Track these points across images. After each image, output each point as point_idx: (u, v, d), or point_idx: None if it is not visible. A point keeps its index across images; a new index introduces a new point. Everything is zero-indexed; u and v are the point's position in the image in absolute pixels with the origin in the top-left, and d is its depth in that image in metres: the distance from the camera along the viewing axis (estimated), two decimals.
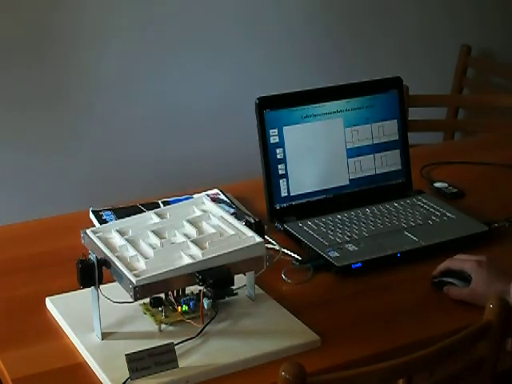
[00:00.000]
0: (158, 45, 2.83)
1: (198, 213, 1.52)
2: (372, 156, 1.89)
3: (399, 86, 1.92)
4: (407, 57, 3.23)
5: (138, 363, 1.30)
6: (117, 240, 1.44)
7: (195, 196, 1.89)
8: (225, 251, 1.37)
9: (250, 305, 1.50)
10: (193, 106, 2.93)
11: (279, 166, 1.80)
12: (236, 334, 1.41)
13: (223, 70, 2.96)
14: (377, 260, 1.65)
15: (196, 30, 2.87)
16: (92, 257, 1.36)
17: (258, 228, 1.45)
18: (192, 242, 1.41)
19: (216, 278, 1.33)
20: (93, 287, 1.37)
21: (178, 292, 1.43)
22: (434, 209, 1.84)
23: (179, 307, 1.42)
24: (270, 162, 1.79)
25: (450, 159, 2.18)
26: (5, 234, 1.80)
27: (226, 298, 1.48)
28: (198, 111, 2.93)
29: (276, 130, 1.79)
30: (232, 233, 1.44)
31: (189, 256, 1.37)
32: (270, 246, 1.64)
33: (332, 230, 1.75)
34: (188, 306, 1.42)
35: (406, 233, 1.75)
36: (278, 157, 1.80)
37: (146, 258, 1.37)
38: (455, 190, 1.99)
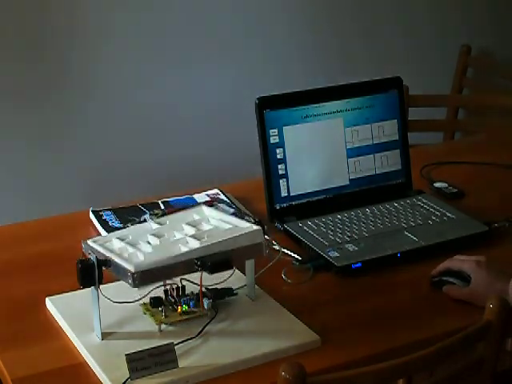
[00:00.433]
0: (158, 45, 2.83)
1: (197, 217, 1.53)
2: (372, 156, 1.89)
3: (399, 86, 1.92)
4: (407, 57, 3.23)
5: (138, 363, 1.30)
6: (116, 244, 1.44)
7: (195, 196, 1.89)
8: (223, 238, 1.37)
9: (250, 305, 1.50)
10: (193, 106, 2.93)
11: (279, 166, 1.80)
12: (236, 334, 1.41)
13: (223, 70, 2.96)
14: (377, 260, 1.65)
15: (196, 30, 2.87)
16: (92, 257, 1.36)
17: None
18: (191, 236, 1.42)
19: (214, 261, 1.34)
20: (93, 287, 1.36)
21: (177, 292, 1.43)
22: (434, 209, 1.84)
23: (179, 307, 1.42)
24: (270, 162, 1.79)
25: (450, 159, 2.18)
26: (5, 234, 1.81)
27: (226, 298, 1.48)
28: (198, 111, 2.93)
29: (276, 130, 1.79)
30: (229, 226, 1.44)
31: (186, 246, 1.38)
32: (270, 246, 1.64)
33: (332, 230, 1.75)
34: (188, 305, 1.42)
35: (406, 233, 1.75)
36: (278, 157, 1.80)
37: (145, 253, 1.38)
38: (455, 190, 1.99)
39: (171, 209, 1.78)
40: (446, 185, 2.01)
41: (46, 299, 1.51)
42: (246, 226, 1.44)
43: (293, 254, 1.68)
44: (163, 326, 1.41)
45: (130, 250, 1.40)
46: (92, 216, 1.81)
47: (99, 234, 1.75)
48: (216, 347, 1.37)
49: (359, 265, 1.63)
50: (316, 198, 1.84)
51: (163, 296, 1.44)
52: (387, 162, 1.91)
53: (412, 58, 3.24)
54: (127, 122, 2.84)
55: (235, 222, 1.47)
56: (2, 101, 2.65)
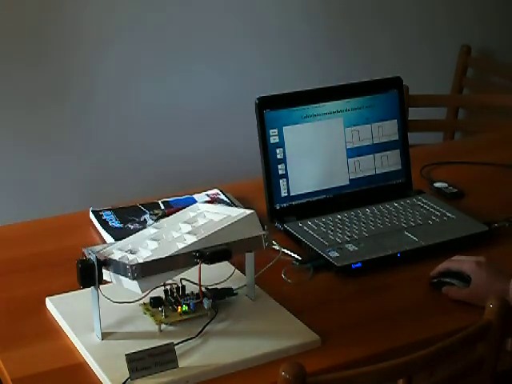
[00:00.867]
0: (158, 45, 2.84)
1: (193, 215, 1.53)
2: (372, 156, 1.89)
3: (399, 86, 1.92)
4: (407, 57, 3.23)
5: (138, 363, 1.30)
6: (117, 254, 1.44)
7: (195, 196, 1.89)
8: (218, 227, 1.37)
9: (249, 305, 1.50)
10: (193, 106, 2.93)
11: (279, 166, 1.80)
12: (236, 334, 1.41)
13: (223, 70, 2.96)
14: (377, 260, 1.65)
15: (196, 30, 2.87)
16: (92, 257, 1.36)
17: None
18: (187, 233, 1.42)
19: (213, 251, 1.34)
20: (93, 287, 1.36)
21: (178, 292, 1.43)
22: (434, 209, 1.84)
23: (179, 307, 1.42)
24: (270, 162, 1.79)
25: (450, 159, 2.18)
26: (5, 234, 1.80)
27: (226, 298, 1.48)
28: (198, 111, 2.93)
29: (276, 130, 1.79)
30: (224, 216, 1.44)
31: (183, 243, 1.38)
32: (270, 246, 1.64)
33: (332, 230, 1.75)
34: (188, 305, 1.42)
35: (406, 233, 1.75)
36: (278, 157, 1.80)
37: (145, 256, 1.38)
38: (455, 190, 1.99)
39: (171, 209, 1.78)
40: (446, 185, 2.01)
41: (46, 299, 1.51)
42: (239, 212, 1.43)
43: (293, 254, 1.68)
44: (163, 326, 1.41)
45: (131, 257, 1.40)
46: (92, 216, 1.81)
47: (99, 234, 1.75)
48: (216, 347, 1.37)
49: (359, 265, 1.63)
50: (316, 197, 1.84)
51: (163, 296, 1.44)
52: (387, 162, 1.91)
53: (412, 58, 3.24)
54: (127, 122, 2.85)
55: (229, 212, 1.47)
56: (2, 101, 2.65)
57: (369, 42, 3.19)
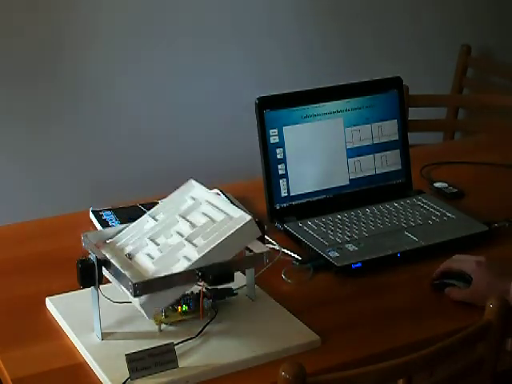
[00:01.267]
0: (158, 45, 2.84)
1: (189, 202, 1.51)
2: (372, 156, 1.89)
3: (399, 86, 1.92)
4: (407, 57, 3.23)
5: (138, 363, 1.30)
6: (119, 257, 1.44)
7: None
8: (218, 241, 1.36)
9: (249, 305, 1.50)
10: (193, 106, 2.93)
11: (279, 166, 1.80)
12: (236, 333, 1.41)
13: (223, 70, 2.96)
14: (377, 260, 1.65)
15: (196, 30, 2.87)
16: (92, 257, 1.36)
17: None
18: (186, 239, 1.40)
19: (215, 274, 1.33)
20: (93, 287, 1.36)
21: None
22: (434, 209, 1.84)
23: (179, 307, 1.42)
24: (270, 162, 1.79)
25: (450, 159, 2.18)
26: (5, 234, 1.80)
27: (226, 298, 1.48)
28: (197, 111, 2.93)
29: (276, 130, 1.79)
30: (222, 217, 1.42)
31: (185, 258, 1.36)
32: (270, 245, 1.64)
33: (332, 230, 1.75)
34: (188, 305, 1.42)
35: (406, 233, 1.75)
36: (278, 157, 1.80)
37: (146, 274, 1.37)
38: (455, 190, 1.99)
39: None
40: (446, 185, 2.01)
41: (46, 299, 1.51)
42: (237, 215, 1.42)
43: (293, 254, 1.68)
44: (163, 326, 1.41)
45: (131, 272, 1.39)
46: (92, 216, 1.81)
47: None
48: (216, 347, 1.37)
49: (359, 265, 1.63)
50: (316, 197, 1.84)
51: None
52: (387, 162, 1.91)
53: (412, 58, 3.24)
54: (127, 122, 2.85)
55: (226, 209, 1.45)
56: (2, 100, 2.65)
57: (369, 42, 3.19)
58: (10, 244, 1.75)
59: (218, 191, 1.93)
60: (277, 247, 1.62)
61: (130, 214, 1.80)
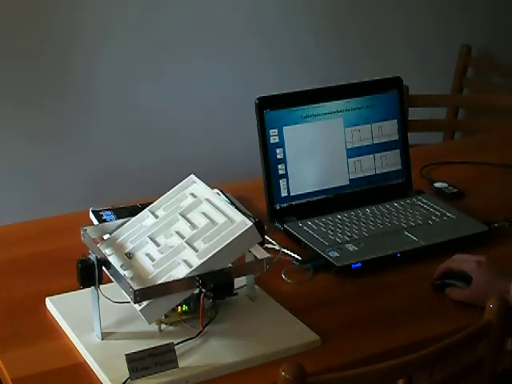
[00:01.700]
0: (158, 45, 2.83)
1: (189, 200, 1.51)
2: (372, 156, 1.89)
3: (399, 86, 1.92)
4: (407, 57, 3.23)
5: (138, 363, 1.30)
6: (118, 255, 1.43)
7: None
8: (218, 248, 1.36)
9: (249, 305, 1.50)
10: (193, 106, 2.93)
11: (279, 166, 1.80)
12: (236, 334, 1.41)
13: (223, 69, 2.96)
14: (377, 260, 1.65)
15: (196, 29, 2.87)
16: (92, 257, 1.36)
17: (257, 228, 1.45)
18: (186, 242, 1.40)
19: (216, 283, 1.33)
20: (93, 287, 1.37)
21: None
22: (434, 209, 1.84)
23: (179, 307, 1.42)
24: (270, 162, 1.79)
25: (450, 159, 2.18)
26: (5, 234, 1.80)
27: (226, 298, 1.48)
28: (197, 111, 2.93)
29: (276, 130, 1.79)
30: (223, 220, 1.42)
31: (185, 263, 1.36)
32: (270, 246, 1.64)
33: (332, 230, 1.75)
34: (188, 305, 1.42)
35: (406, 233, 1.75)
36: (278, 157, 1.80)
37: (147, 277, 1.36)
38: (455, 190, 1.99)
39: None
40: (446, 185, 2.01)
41: (46, 299, 1.51)
42: (238, 219, 1.41)
43: (293, 254, 1.68)
44: (163, 326, 1.41)
45: (131, 273, 1.39)
46: (92, 216, 1.81)
47: None
48: (216, 347, 1.37)
49: (359, 265, 1.63)
50: (316, 197, 1.84)
51: None
52: (387, 162, 1.91)
53: (412, 58, 3.24)
54: (127, 122, 2.84)
55: (227, 211, 1.45)
56: (3, 101, 2.65)
57: (369, 42, 3.19)
58: (9, 244, 1.75)
59: (218, 191, 1.93)
60: (277, 247, 1.62)
61: (130, 214, 1.80)
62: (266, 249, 1.49)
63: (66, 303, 1.49)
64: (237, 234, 1.37)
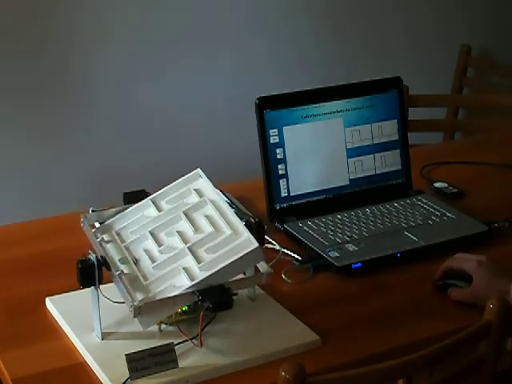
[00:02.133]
0: (158, 44, 2.83)
1: (194, 198, 1.50)
2: (372, 156, 1.89)
3: (399, 86, 1.92)
4: (407, 57, 3.23)
5: (138, 363, 1.30)
6: (116, 247, 1.43)
7: None
8: (222, 265, 1.34)
9: (249, 305, 1.50)
10: (193, 106, 2.92)
11: (279, 166, 1.80)
12: (236, 333, 1.41)
13: (223, 69, 2.96)
14: (377, 260, 1.65)
15: (196, 29, 2.87)
16: (92, 257, 1.36)
17: (257, 228, 1.45)
18: (188, 248, 1.39)
19: (215, 301, 1.32)
20: (93, 287, 1.36)
21: None
22: (434, 209, 1.84)
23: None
24: (270, 162, 1.79)
25: (449, 159, 2.18)
26: (5, 234, 1.80)
27: None
28: (197, 111, 2.93)
29: (276, 130, 1.79)
30: (228, 233, 1.41)
31: (187, 273, 1.35)
32: (270, 246, 1.64)
33: (332, 230, 1.75)
34: (188, 305, 1.42)
35: (406, 233, 1.75)
36: (278, 157, 1.80)
37: (146, 280, 1.36)
38: (455, 190, 1.99)
39: None
40: (446, 185, 2.01)
41: (46, 299, 1.51)
42: (243, 236, 1.40)
43: (293, 254, 1.68)
44: (163, 326, 1.41)
45: (131, 269, 1.39)
46: None
47: None
48: (216, 347, 1.37)
49: (359, 265, 1.63)
50: (316, 197, 1.84)
51: None
52: (387, 162, 1.91)
53: (412, 58, 3.24)
54: (127, 122, 2.84)
55: (232, 220, 1.44)
56: (3, 101, 2.65)
57: (369, 42, 3.19)
58: (9, 244, 1.75)
59: (218, 191, 1.92)
60: (277, 247, 1.62)
61: None
62: (266, 249, 1.49)
63: (66, 303, 1.49)
64: (241, 254, 1.36)
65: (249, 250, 1.37)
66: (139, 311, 1.30)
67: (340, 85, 1.88)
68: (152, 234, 1.45)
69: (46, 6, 2.64)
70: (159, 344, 1.33)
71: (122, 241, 1.45)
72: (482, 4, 3.38)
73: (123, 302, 1.41)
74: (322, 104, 1.83)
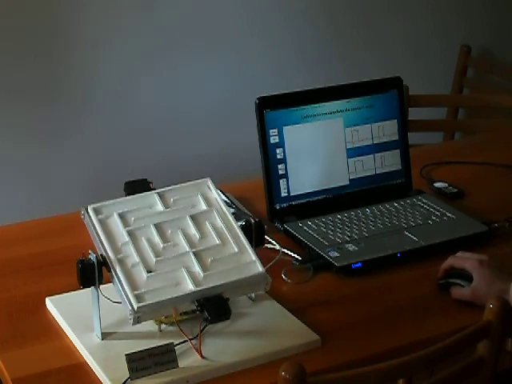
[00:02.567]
0: (158, 45, 2.83)
1: (202, 205, 1.48)
2: (372, 156, 1.89)
3: (399, 86, 1.92)
4: (407, 57, 3.23)
5: (138, 363, 1.30)
6: (118, 231, 1.40)
7: None
8: (225, 281, 1.34)
9: (249, 305, 1.50)
10: (193, 106, 2.92)
11: (279, 166, 1.80)
12: (236, 333, 1.41)
13: (223, 69, 2.96)
14: (377, 260, 1.65)
15: (196, 29, 2.87)
16: (92, 257, 1.35)
17: (257, 228, 1.45)
18: (194, 253, 1.38)
19: (214, 312, 1.32)
20: (93, 287, 1.36)
21: None
22: (434, 209, 1.84)
23: None
24: (270, 162, 1.79)
25: (449, 159, 2.18)
26: (5, 234, 1.80)
27: None
28: (198, 111, 2.93)
29: (276, 130, 1.79)
30: (235, 250, 1.40)
31: (190, 278, 1.34)
32: (270, 246, 1.64)
33: (332, 230, 1.75)
34: None
35: (406, 233, 1.75)
36: (278, 157, 1.80)
37: (148, 272, 1.35)
38: (455, 190, 1.99)
39: None
40: (446, 185, 2.01)
41: (46, 299, 1.51)
42: (249, 257, 1.39)
43: (293, 254, 1.68)
44: (163, 326, 1.41)
45: (133, 259, 1.37)
46: None
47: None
48: (216, 347, 1.37)
49: (359, 265, 1.63)
50: (316, 197, 1.84)
51: None
52: (387, 162, 1.91)
53: (412, 58, 3.24)
54: (127, 122, 2.84)
55: (241, 240, 1.41)
56: (2, 101, 2.65)
57: (369, 42, 3.18)
58: (9, 244, 1.75)
59: (218, 191, 1.93)
60: (277, 247, 1.62)
61: None
62: (266, 249, 1.49)
63: (66, 303, 1.49)
64: (244, 276, 1.36)
65: (256, 272, 1.37)
66: (138, 320, 1.30)
67: (340, 85, 1.88)
68: (156, 227, 1.42)
69: (46, 6, 2.64)
70: (159, 344, 1.33)
71: (126, 225, 1.41)
72: (481, 4, 3.38)
73: None
74: (321, 104, 1.83)
